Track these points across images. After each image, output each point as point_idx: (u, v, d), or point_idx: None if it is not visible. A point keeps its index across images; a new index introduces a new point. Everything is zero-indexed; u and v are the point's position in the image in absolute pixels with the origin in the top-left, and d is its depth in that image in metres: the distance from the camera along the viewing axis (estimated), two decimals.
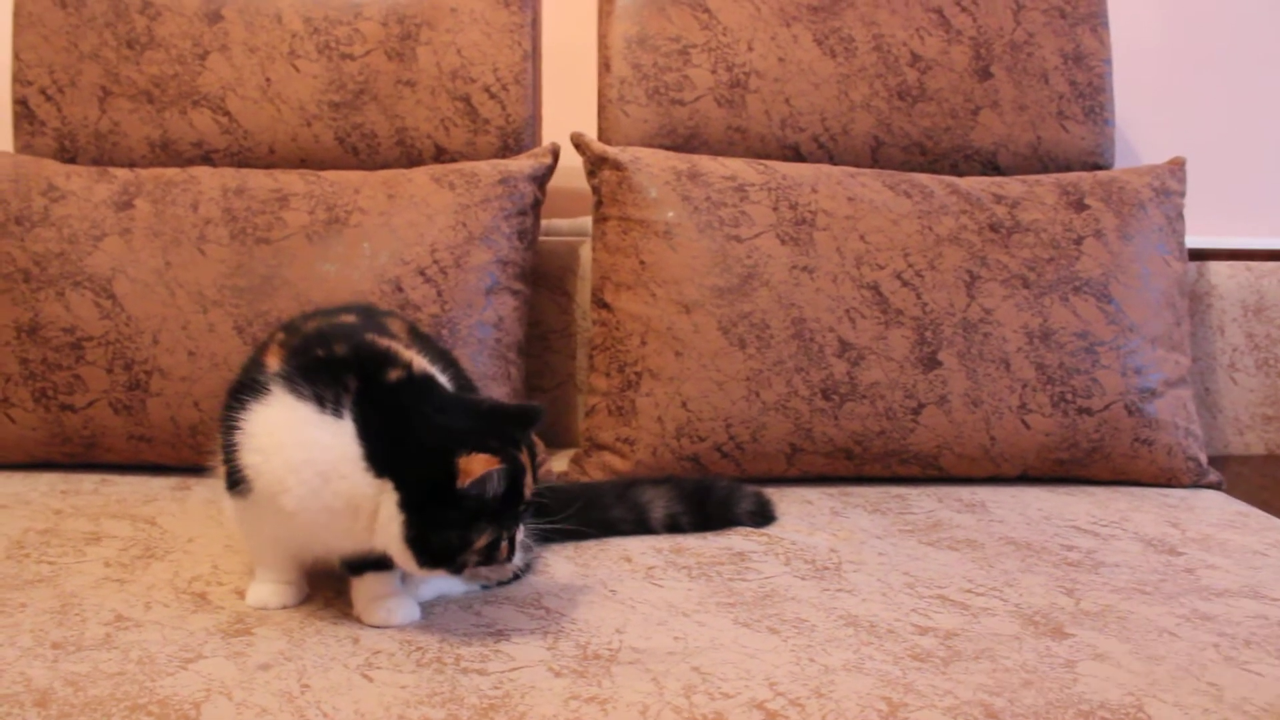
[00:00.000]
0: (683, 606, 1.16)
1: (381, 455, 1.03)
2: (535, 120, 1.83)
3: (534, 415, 1.11)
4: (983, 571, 1.28)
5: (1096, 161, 1.86)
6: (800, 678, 1.00)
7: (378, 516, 1.03)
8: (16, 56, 1.81)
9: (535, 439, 1.13)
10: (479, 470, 1.00)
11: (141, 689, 0.96)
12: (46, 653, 1.02)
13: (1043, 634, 1.11)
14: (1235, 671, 1.04)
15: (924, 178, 1.73)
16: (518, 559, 1.08)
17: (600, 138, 1.78)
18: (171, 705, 0.94)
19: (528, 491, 1.06)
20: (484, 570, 1.08)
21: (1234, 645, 1.10)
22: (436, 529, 1.02)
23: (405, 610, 1.11)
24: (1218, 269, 1.97)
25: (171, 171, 1.70)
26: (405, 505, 1.02)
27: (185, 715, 0.93)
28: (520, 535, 1.08)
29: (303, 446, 1.04)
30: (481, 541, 1.03)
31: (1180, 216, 1.77)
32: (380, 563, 1.09)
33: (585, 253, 1.85)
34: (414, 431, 1.04)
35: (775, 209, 1.65)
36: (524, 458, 1.06)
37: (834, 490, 1.59)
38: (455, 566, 1.04)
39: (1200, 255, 1.95)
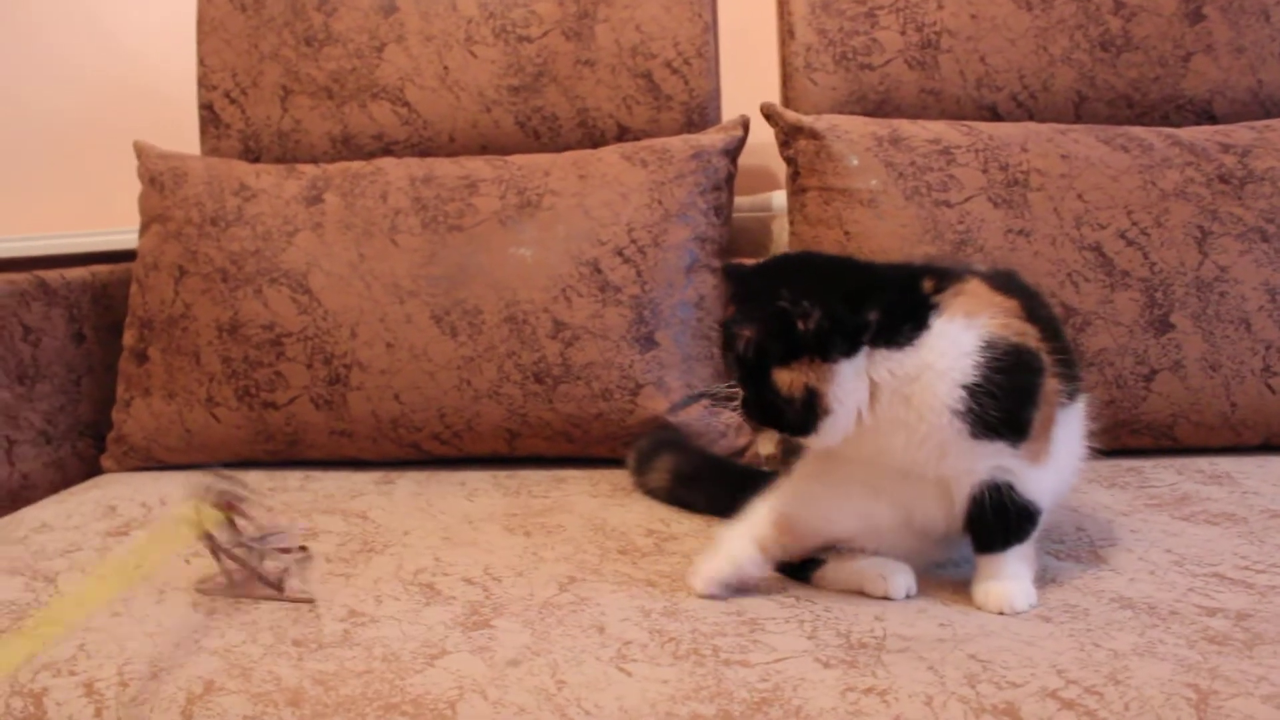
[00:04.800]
0: (939, 596, 1.08)
1: None
2: (717, 94, 1.77)
3: None
4: (1254, 548, 1.18)
5: None
6: (1089, 664, 0.92)
7: None
8: (201, 62, 1.82)
9: None
10: None
11: (392, 687, 0.93)
12: (290, 650, 0.99)
13: None
14: None
15: (1140, 130, 1.62)
16: None
17: (785, 108, 1.71)
18: (425, 704, 0.91)
19: None
20: None
21: None
22: None
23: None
24: None
25: (357, 164, 1.69)
26: None
27: (441, 715, 0.90)
28: None
29: None
30: None
31: None
32: None
33: (777, 228, 1.78)
34: None
35: (985, 171, 1.56)
36: None
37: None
38: None
39: None
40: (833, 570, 1.09)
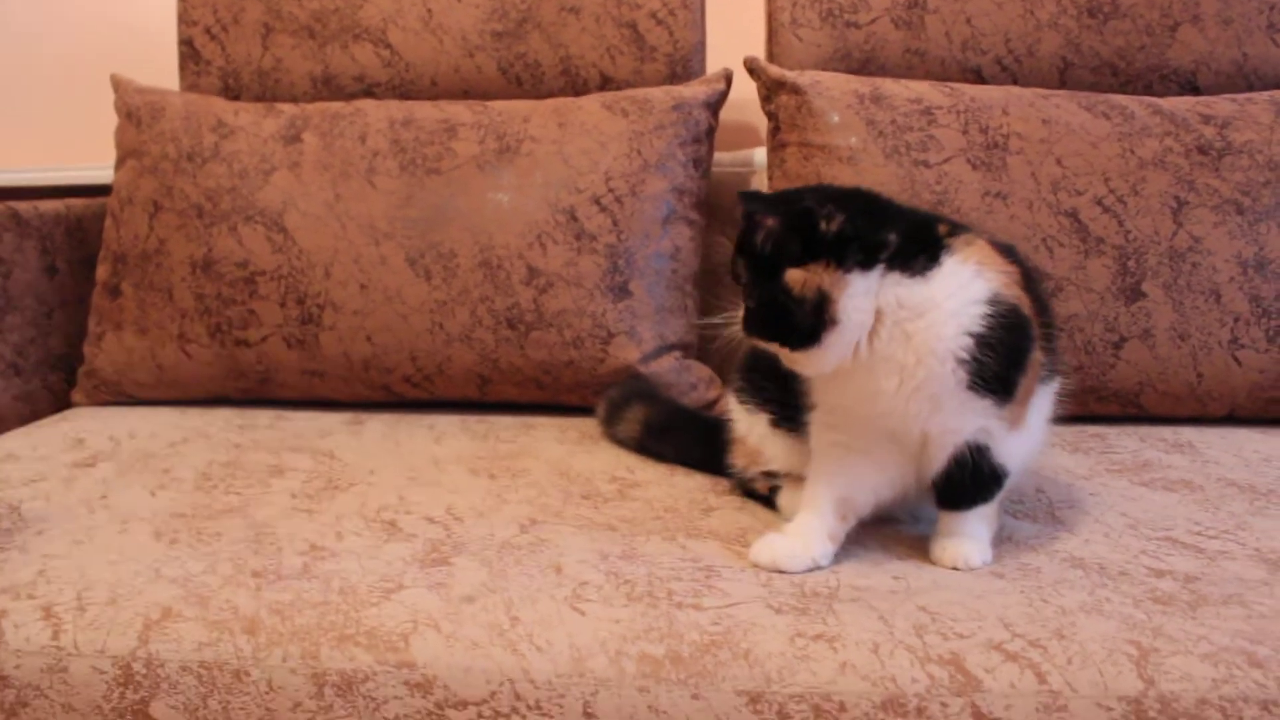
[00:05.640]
0: (895, 550, 1.09)
1: None
2: (702, 47, 1.76)
3: None
4: (1208, 514, 1.19)
5: None
6: (1036, 619, 0.93)
7: None
8: None
9: None
10: None
11: (347, 619, 0.94)
12: (249, 580, 1.00)
13: None
14: None
15: (1123, 98, 1.62)
16: None
17: (770, 63, 1.70)
18: (379, 636, 0.92)
19: None
20: None
21: None
22: None
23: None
24: None
25: (337, 105, 1.68)
26: None
27: (394, 647, 0.91)
28: None
29: None
30: None
31: None
32: None
33: (757, 184, 1.78)
34: None
35: (965, 133, 1.56)
36: None
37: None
38: None
39: None
40: (789, 497, 1.13)
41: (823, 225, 0.96)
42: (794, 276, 0.96)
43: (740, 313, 1.01)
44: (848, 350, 0.98)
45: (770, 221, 0.97)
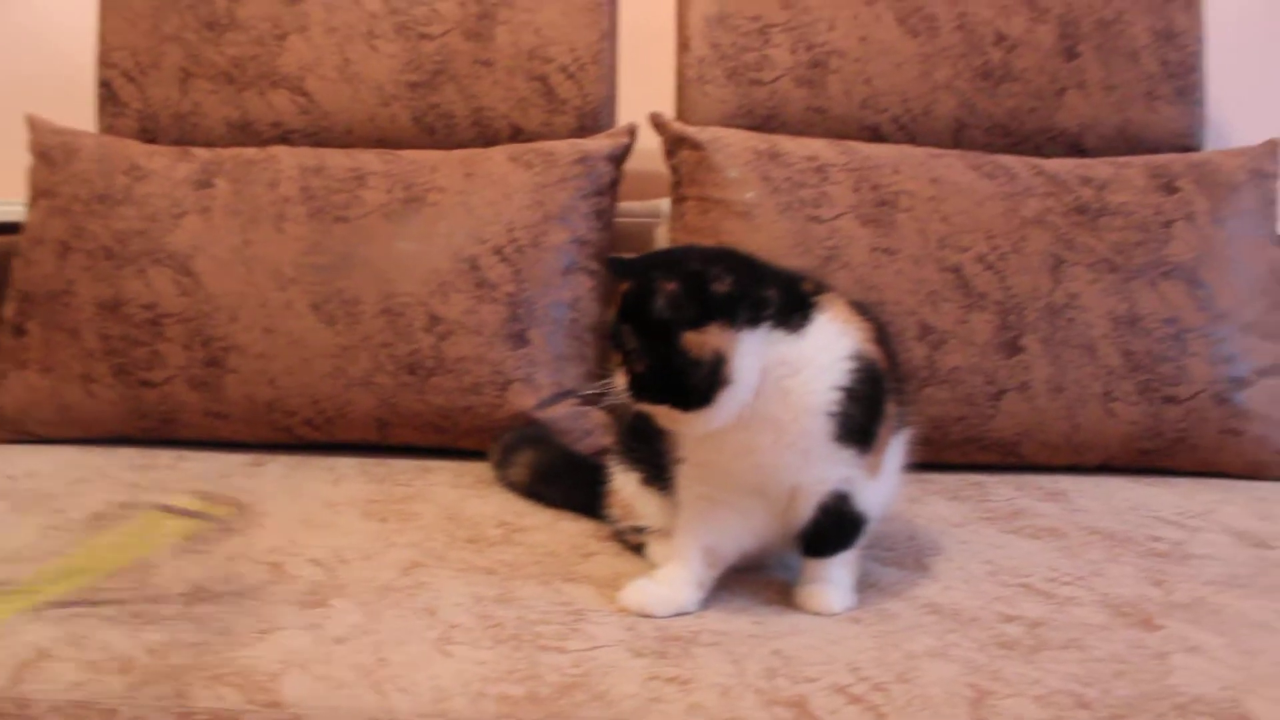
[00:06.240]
0: (762, 595, 1.13)
1: None
2: (611, 101, 1.81)
3: None
4: (1067, 560, 1.25)
5: (1186, 143, 1.80)
6: (884, 663, 0.98)
7: None
8: (102, 39, 1.83)
9: None
10: None
11: (221, 659, 0.96)
12: (128, 621, 1.03)
13: (1132, 625, 1.08)
14: None
15: (1008, 159, 1.69)
16: None
17: (678, 118, 1.76)
18: (250, 676, 0.94)
19: None
20: None
21: None
22: None
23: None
24: None
25: (251, 151, 1.71)
26: None
27: (263, 687, 0.93)
28: None
29: None
30: None
31: (1275, 200, 1.71)
32: None
33: (661, 234, 1.83)
34: None
35: (856, 190, 1.62)
36: None
37: (910, 477, 1.56)
38: None
39: None
40: (658, 549, 1.17)
41: (714, 286, 1.00)
42: (692, 339, 0.99)
43: (620, 378, 1.04)
44: (736, 408, 1.01)
45: (670, 286, 0.99)
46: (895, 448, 1.12)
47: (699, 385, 0.99)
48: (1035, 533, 1.34)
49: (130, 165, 1.68)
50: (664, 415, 1.04)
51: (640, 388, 1.02)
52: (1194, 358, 1.58)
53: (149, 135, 1.81)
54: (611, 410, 1.10)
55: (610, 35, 1.80)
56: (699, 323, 0.99)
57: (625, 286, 1.03)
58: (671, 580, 1.09)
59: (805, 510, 1.07)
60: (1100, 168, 1.69)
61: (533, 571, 1.16)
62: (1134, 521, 1.39)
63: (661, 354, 1.00)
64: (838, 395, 1.02)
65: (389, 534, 1.27)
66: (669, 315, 0.99)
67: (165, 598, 1.08)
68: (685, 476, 1.10)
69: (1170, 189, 1.66)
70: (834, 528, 1.08)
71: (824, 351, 1.03)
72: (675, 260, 1.04)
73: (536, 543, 1.25)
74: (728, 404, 1.00)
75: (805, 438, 1.03)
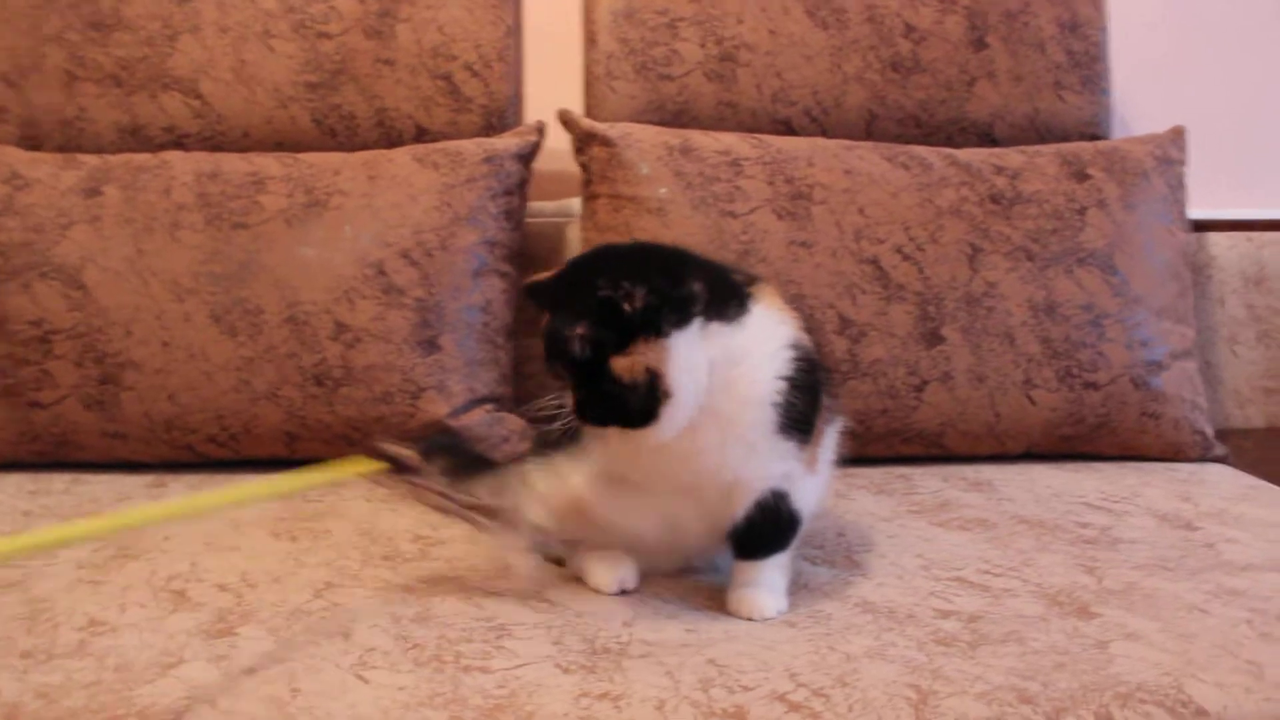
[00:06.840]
0: (693, 601, 1.10)
1: None
2: (518, 98, 1.76)
3: None
4: (998, 551, 1.24)
5: (1094, 132, 1.81)
6: (821, 667, 0.95)
7: None
8: None
9: None
10: None
11: (119, 699, 0.90)
12: (15, 663, 0.95)
13: (1069, 614, 1.06)
14: (1273, 648, 1.00)
15: (922, 150, 1.68)
16: None
17: (587, 115, 1.72)
18: (151, 716, 0.88)
19: None
20: None
21: (1267, 621, 1.06)
22: None
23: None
24: (1217, 240, 1.92)
25: (142, 157, 1.63)
26: None
27: None
28: None
29: None
30: None
31: (1182, 185, 1.72)
32: None
33: (573, 234, 1.78)
34: None
35: (771, 183, 1.60)
36: None
37: (836, 471, 1.54)
38: None
39: (1200, 226, 1.89)
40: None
41: (626, 308, 0.96)
42: (620, 365, 0.96)
43: (567, 397, 1.00)
44: (690, 410, 0.98)
45: (580, 330, 0.96)
46: (829, 441, 1.10)
47: (639, 406, 0.96)
48: (964, 524, 1.33)
49: (11, 174, 1.59)
50: (615, 436, 1.00)
51: (586, 412, 0.99)
52: (1111, 343, 1.59)
53: (32, 142, 1.72)
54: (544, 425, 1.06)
55: (515, 31, 1.75)
56: (622, 346, 0.96)
57: (544, 323, 1.00)
58: (610, 559, 1.10)
59: (740, 508, 1.04)
60: (1012, 156, 1.68)
61: (451, 587, 1.12)
62: (1060, 509, 1.39)
63: (595, 384, 0.97)
64: (781, 385, 1.00)
65: (299, 554, 1.21)
66: (589, 354, 0.96)
67: (59, 632, 1.01)
68: (608, 475, 1.07)
69: (1081, 176, 1.66)
70: (770, 527, 1.05)
71: (765, 341, 1.01)
72: (583, 281, 0.99)
73: (454, 556, 1.21)
74: (675, 414, 0.97)
75: (751, 430, 1.00)
